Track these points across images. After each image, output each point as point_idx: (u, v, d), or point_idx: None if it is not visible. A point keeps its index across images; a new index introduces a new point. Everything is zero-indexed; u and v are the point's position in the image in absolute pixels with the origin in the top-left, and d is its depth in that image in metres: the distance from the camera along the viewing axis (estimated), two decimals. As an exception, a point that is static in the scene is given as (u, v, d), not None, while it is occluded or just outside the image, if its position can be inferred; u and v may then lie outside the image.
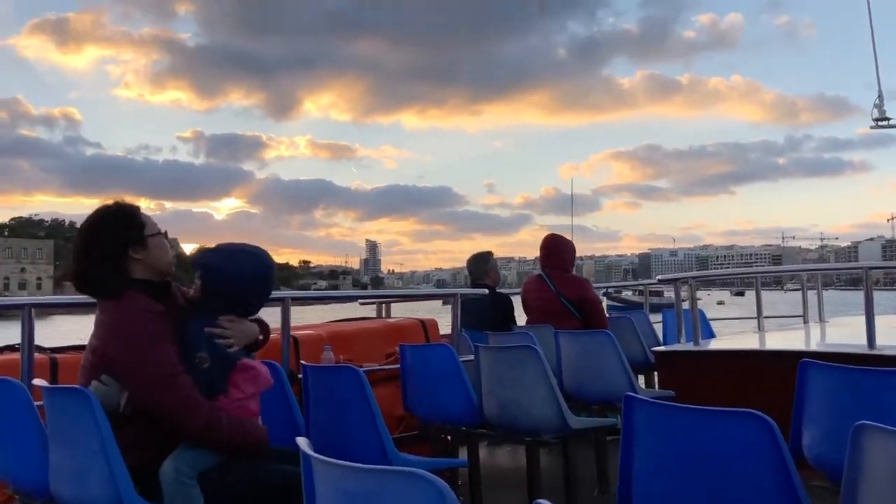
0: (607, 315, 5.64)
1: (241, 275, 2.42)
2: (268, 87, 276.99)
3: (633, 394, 1.97)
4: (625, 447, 1.95)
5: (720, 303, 47.67)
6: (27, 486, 2.53)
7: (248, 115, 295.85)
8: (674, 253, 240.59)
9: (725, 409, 1.74)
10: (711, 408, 1.76)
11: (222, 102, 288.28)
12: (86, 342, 2.45)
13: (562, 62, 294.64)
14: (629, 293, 33.63)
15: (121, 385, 2.27)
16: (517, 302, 5.69)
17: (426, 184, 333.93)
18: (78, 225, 2.59)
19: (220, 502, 2.27)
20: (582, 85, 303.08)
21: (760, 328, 5.69)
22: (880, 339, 3.79)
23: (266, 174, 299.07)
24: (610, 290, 15.12)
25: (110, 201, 2.49)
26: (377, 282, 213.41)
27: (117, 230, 2.41)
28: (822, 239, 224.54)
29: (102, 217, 2.45)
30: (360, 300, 6.38)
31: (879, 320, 3.98)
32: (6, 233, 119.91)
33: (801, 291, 6.34)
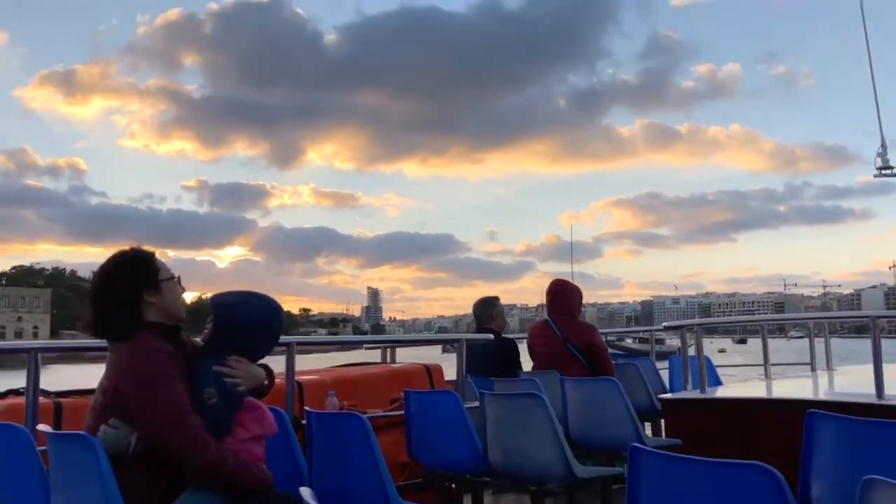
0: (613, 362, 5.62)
1: (253, 318, 2.50)
2: (272, 136, 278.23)
3: (638, 444, 1.95)
4: (630, 498, 1.93)
5: (722, 350, 47.11)
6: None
7: (253, 164, 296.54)
8: (676, 300, 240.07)
9: (732, 461, 1.73)
10: (718, 459, 1.75)
11: (227, 152, 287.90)
12: (89, 386, 2.45)
13: (562, 112, 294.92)
14: (630, 341, 33.37)
15: (130, 425, 2.27)
16: (522, 347, 5.68)
17: (428, 231, 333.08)
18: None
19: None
20: (582, 134, 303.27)
21: (767, 375, 5.65)
22: (889, 389, 3.77)
23: (269, 222, 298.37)
24: (611, 337, 15.04)
25: (127, 247, 2.55)
26: (378, 329, 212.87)
27: (133, 275, 2.46)
28: (824, 286, 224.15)
29: (118, 262, 2.51)
30: (365, 345, 6.37)
31: (887, 368, 3.96)
32: (4, 281, 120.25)
33: (804, 339, 6.32)
